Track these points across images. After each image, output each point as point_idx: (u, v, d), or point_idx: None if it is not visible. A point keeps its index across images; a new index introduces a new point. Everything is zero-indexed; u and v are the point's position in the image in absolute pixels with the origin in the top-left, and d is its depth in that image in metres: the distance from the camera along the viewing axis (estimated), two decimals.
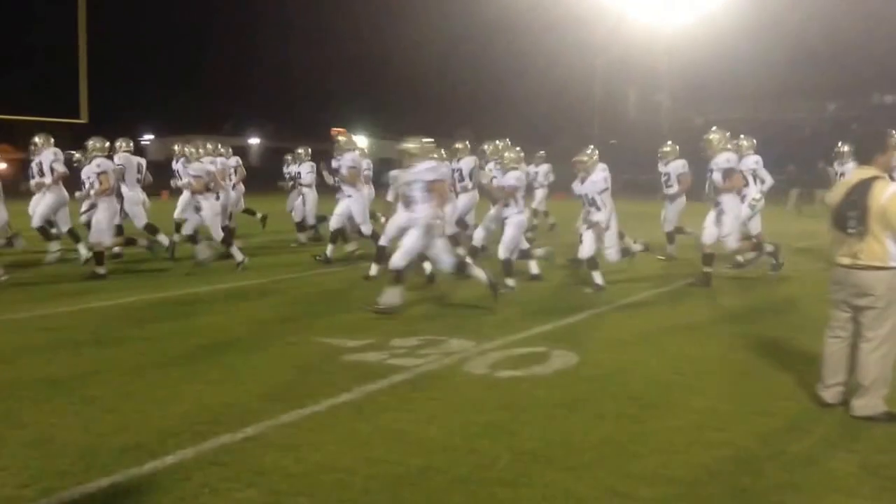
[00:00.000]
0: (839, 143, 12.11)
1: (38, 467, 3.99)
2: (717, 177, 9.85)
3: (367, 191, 12.81)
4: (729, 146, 10.21)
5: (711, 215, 9.96)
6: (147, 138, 69.19)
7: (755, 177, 11.06)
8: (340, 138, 12.23)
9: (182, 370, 5.86)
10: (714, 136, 10.14)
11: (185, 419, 4.73)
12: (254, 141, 59.11)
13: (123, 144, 12.51)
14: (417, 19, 49.73)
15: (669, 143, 12.75)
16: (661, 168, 12.46)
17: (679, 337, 7.09)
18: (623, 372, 5.84)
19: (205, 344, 6.73)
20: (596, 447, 4.34)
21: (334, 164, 11.99)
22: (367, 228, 11.69)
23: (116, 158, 11.98)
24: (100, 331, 7.26)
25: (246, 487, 3.78)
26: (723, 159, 9.86)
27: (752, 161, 11.11)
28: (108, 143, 11.37)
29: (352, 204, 11.54)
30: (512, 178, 9.50)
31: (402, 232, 8.39)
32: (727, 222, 9.79)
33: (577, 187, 9.63)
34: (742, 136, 11.61)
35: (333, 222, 11.76)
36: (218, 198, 11.54)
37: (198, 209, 11.41)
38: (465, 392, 5.33)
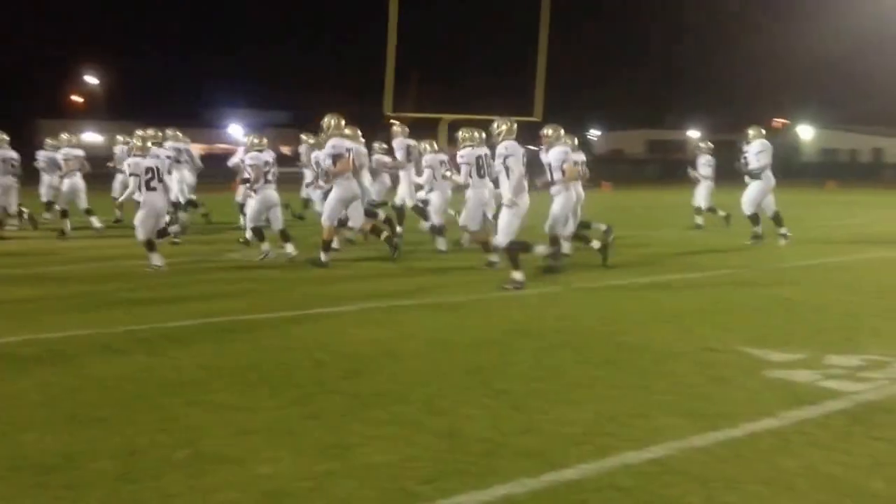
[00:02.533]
0: None
1: (443, 462, 3.99)
2: (328, 162, 10.68)
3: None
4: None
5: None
6: (594, 134, 72.11)
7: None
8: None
9: (596, 371, 5.63)
10: (327, 120, 10.94)
11: (589, 426, 4.46)
12: (693, 134, 58.52)
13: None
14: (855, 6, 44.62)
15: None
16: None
17: None
18: None
19: (624, 342, 6.43)
20: None
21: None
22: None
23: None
24: (524, 320, 7.37)
25: None
26: (329, 146, 10.69)
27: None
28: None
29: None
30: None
31: None
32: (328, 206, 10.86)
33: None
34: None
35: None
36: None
37: None
38: None
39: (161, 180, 10.60)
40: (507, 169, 9.01)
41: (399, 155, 13.93)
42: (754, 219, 13.28)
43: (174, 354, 6.09)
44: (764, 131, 13.61)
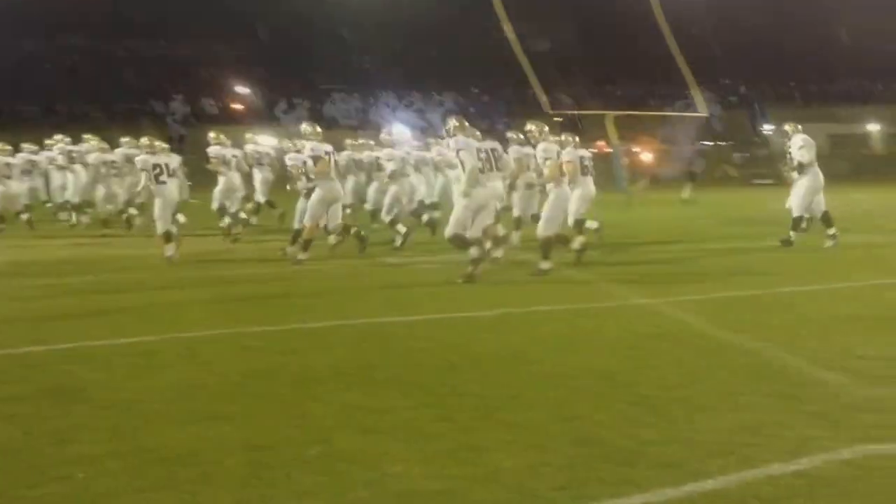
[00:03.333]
0: None
1: (577, 468, 3.89)
2: (310, 163, 11.40)
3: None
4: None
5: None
6: (768, 128, 69.01)
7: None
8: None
9: (737, 378, 5.37)
10: (304, 127, 12.16)
11: (730, 435, 4.26)
12: (873, 127, 54.67)
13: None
14: None
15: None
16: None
17: None
18: None
19: (767, 351, 6.15)
20: None
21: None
22: None
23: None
24: (663, 326, 7.13)
25: None
26: (308, 148, 11.56)
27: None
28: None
29: None
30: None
31: None
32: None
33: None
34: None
35: None
36: None
37: None
38: None
39: (171, 175, 11.76)
40: (462, 162, 9.39)
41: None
42: (798, 222, 12.49)
43: (305, 353, 6.23)
44: (800, 126, 12.99)
